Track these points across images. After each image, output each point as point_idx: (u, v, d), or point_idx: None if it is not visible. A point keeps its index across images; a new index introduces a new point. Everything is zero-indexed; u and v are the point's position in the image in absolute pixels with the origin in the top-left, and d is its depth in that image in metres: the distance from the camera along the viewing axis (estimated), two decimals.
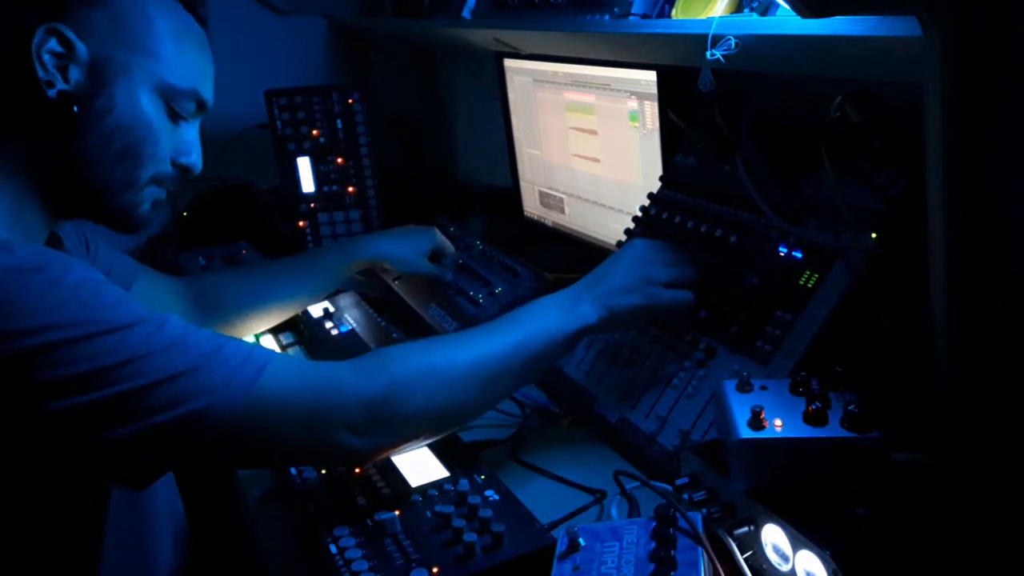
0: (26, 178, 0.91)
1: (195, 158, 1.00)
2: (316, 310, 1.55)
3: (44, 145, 0.90)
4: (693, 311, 1.12)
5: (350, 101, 1.91)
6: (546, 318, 1.02)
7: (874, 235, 0.98)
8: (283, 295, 1.43)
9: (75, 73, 0.88)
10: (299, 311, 1.50)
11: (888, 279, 0.96)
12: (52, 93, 0.87)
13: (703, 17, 0.99)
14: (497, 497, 0.95)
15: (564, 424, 1.22)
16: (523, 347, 0.98)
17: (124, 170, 0.94)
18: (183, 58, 0.96)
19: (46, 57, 0.87)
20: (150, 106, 0.94)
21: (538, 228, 1.88)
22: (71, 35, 0.87)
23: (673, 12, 1.07)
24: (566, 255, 1.71)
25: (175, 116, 0.97)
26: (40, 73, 0.86)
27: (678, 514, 0.82)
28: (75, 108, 0.88)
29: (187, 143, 0.99)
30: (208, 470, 1.14)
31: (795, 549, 0.76)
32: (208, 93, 1.00)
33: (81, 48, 0.88)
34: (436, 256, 1.52)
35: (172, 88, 0.95)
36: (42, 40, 0.86)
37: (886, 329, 0.95)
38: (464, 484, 0.96)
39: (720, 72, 0.98)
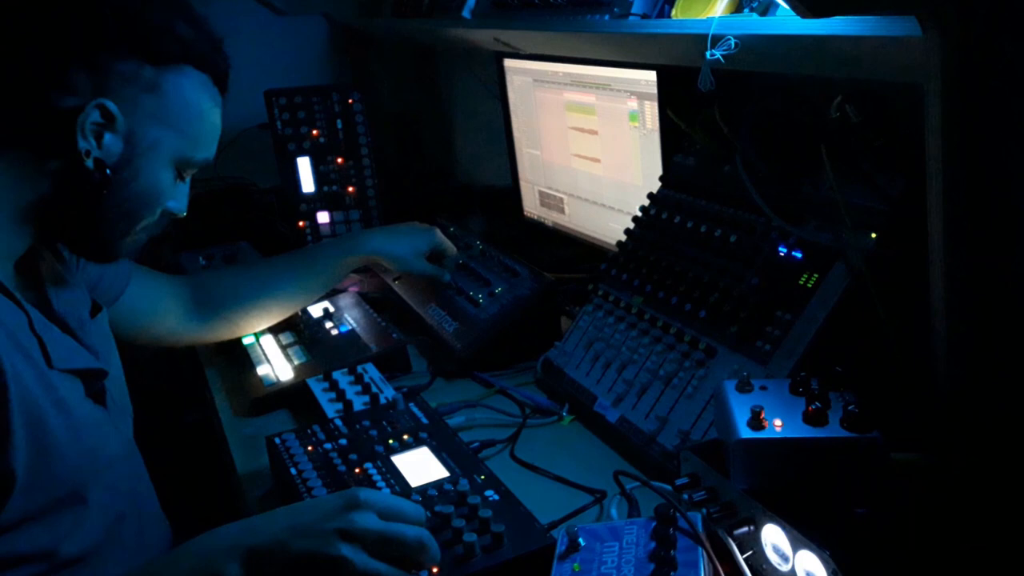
0: (21, 219, 0.92)
1: (183, 207, 1.04)
2: (316, 310, 1.55)
3: (63, 198, 0.92)
4: (693, 311, 1.12)
5: (350, 101, 1.91)
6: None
7: (874, 235, 0.98)
8: (282, 292, 1.43)
9: (109, 141, 0.91)
10: (299, 309, 1.50)
11: (888, 279, 0.96)
12: (88, 162, 0.90)
13: (703, 17, 0.99)
14: (497, 497, 0.95)
15: (564, 423, 1.22)
16: None
17: (124, 225, 0.98)
18: (207, 133, 1.00)
19: (88, 127, 0.89)
20: (166, 178, 0.98)
21: (538, 228, 1.88)
22: (115, 110, 0.90)
23: (673, 12, 1.07)
24: (566, 255, 1.71)
25: (180, 178, 1.02)
26: (81, 143, 0.89)
27: (678, 514, 0.82)
28: (104, 172, 0.91)
29: (180, 194, 1.03)
30: None
31: (795, 549, 0.76)
32: (213, 154, 1.04)
33: (122, 121, 0.91)
34: (436, 256, 1.52)
35: (190, 161, 0.99)
36: (88, 113, 0.88)
37: (886, 329, 0.95)
38: (464, 484, 0.96)
39: (720, 72, 0.98)
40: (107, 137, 0.91)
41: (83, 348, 0.98)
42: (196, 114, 0.98)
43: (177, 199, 1.02)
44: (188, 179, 1.04)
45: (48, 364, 0.90)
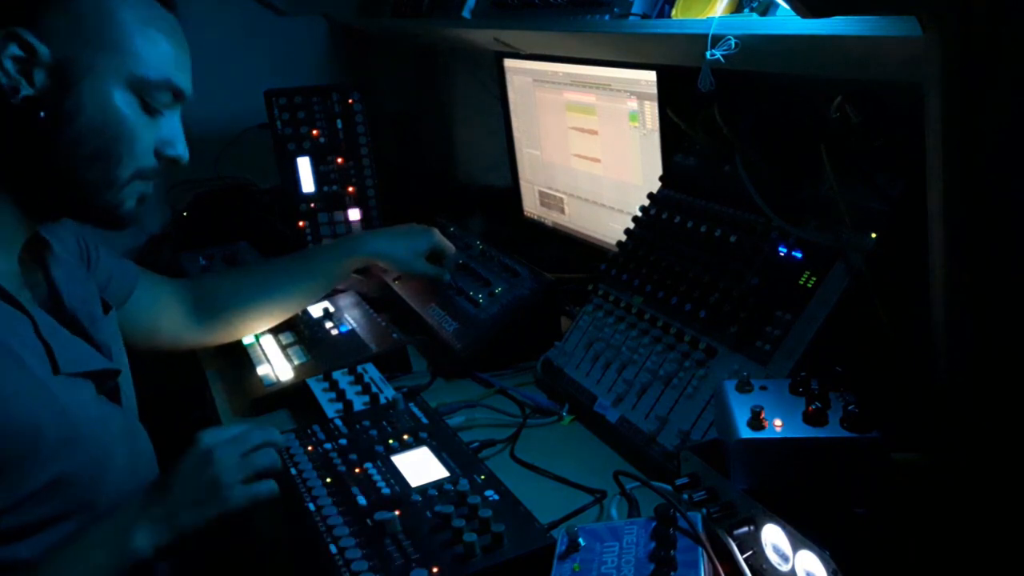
0: None
1: (181, 149, 0.98)
2: (316, 310, 1.55)
3: (14, 151, 0.89)
4: (693, 311, 1.12)
5: (350, 101, 1.91)
6: (85, 567, 0.86)
7: (874, 235, 0.98)
8: (281, 295, 1.43)
9: (39, 77, 0.86)
10: (299, 310, 1.50)
11: (888, 279, 0.96)
12: (17, 100, 0.86)
13: (703, 17, 0.99)
14: (497, 497, 0.95)
15: (564, 423, 1.22)
16: None
17: (100, 170, 0.92)
18: (151, 48, 0.93)
19: (7, 63, 0.85)
20: (122, 103, 0.91)
21: (538, 228, 1.88)
22: (32, 39, 0.85)
23: (673, 12, 1.07)
24: (566, 255, 1.71)
25: (151, 109, 0.94)
26: (3, 80, 0.85)
27: (678, 514, 0.82)
28: (41, 113, 0.86)
29: (169, 135, 0.97)
30: None
31: (795, 549, 0.76)
32: (183, 81, 0.97)
33: (43, 51, 0.86)
34: (436, 256, 1.52)
35: (143, 80, 0.92)
36: (2, 46, 0.84)
37: (886, 329, 0.95)
38: (464, 484, 0.96)
39: (720, 72, 0.98)
40: (36, 74, 0.86)
41: (94, 348, 0.97)
42: (125, 28, 0.90)
43: (169, 140, 0.96)
44: (176, 116, 0.98)
45: (54, 370, 0.89)
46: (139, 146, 0.94)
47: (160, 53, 0.94)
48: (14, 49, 0.85)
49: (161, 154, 0.96)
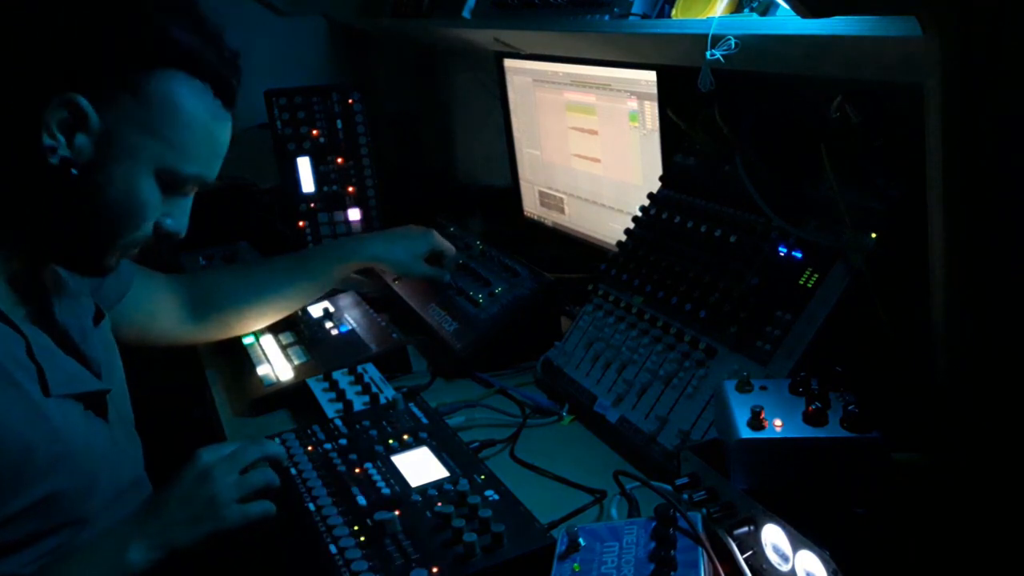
0: None
1: (181, 226, 0.98)
2: (316, 310, 1.55)
3: (30, 201, 0.89)
4: (693, 311, 1.12)
5: (350, 101, 1.91)
6: None
7: (874, 235, 0.98)
8: (277, 294, 1.43)
9: (81, 142, 0.86)
10: (296, 310, 1.50)
11: (888, 279, 0.96)
12: (53, 159, 0.85)
13: (703, 17, 0.99)
14: (497, 497, 0.95)
15: (564, 423, 1.22)
16: None
17: (104, 238, 0.93)
18: (197, 146, 0.93)
19: (55, 125, 0.84)
20: (148, 188, 0.91)
21: (538, 228, 1.88)
22: (87, 107, 0.85)
23: (673, 12, 1.07)
24: (566, 255, 1.71)
25: (171, 192, 0.95)
26: (45, 140, 0.84)
27: (678, 514, 0.82)
28: (73, 172, 0.86)
29: (177, 211, 0.97)
30: None
31: (795, 549, 0.76)
32: (212, 174, 0.97)
33: (95, 121, 0.86)
34: (435, 257, 1.52)
35: (176, 173, 0.93)
36: (55, 108, 0.84)
37: (886, 329, 0.95)
38: (464, 484, 0.96)
39: (720, 72, 0.98)
40: (79, 137, 0.85)
41: (85, 368, 0.97)
42: (185, 123, 0.91)
43: (173, 216, 0.97)
44: (189, 196, 0.99)
45: (45, 392, 0.89)
46: (146, 224, 0.94)
47: (203, 149, 0.94)
48: (64, 113, 0.84)
49: (160, 225, 0.96)
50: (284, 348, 1.45)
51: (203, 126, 0.93)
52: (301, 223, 1.92)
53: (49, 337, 0.95)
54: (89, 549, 0.90)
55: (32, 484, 0.87)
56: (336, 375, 1.31)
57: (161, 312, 1.33)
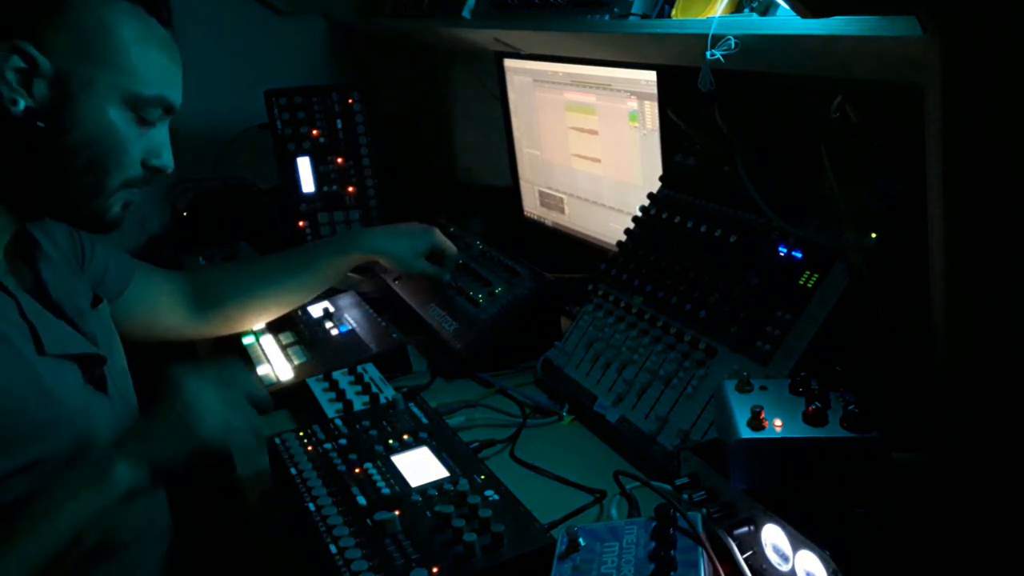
0: None
1: (166, 159, 1.00)
2: (316, 310, 1.55)
3: (8, 157, 0.90)
4: (693, 311, 1.12)
5: (350, 101, 1.91)
6: (73, 505, 0.86)
7: (874, 235, 0.98)
8: (279, 289, 1.43)
9: (39, 88, 0.88)
10: (297, 306, 1.50)
11: (888, 279, 0.96)
12: (17, 111, 0.87)
13: (703, 17, 0.99)
14: (497, 497, 0.95)
15: (564, 423, 1.22)
16: (52, 554, 0.84)
17: (91, 180, 0.94)
18: (147, 65, 0.95)
19: (9, 75, 0.86)
20: (117, 118, 0.93)
21: (538, 228, 1.88)
22: (33, 52, 0.87)
23: (673, 12, 1.07)
24: (566, 255, 1.71)
25: (143, 122, 0.97)
26: (4, 91, 0.86)
27: (678, 514, 0.82)
28: (40, 123, 0.88)
29: (157, 145, 0.99)
30: None
31: (795, 549, 0.76)
32: (175, 96, 0.99)
33: (44, 64, 0.88)
34: (436, 256, 1.52)
35: (138, 97, 0.94)
36: (3, 58, 0.86)
37: (886, 329, 0.95)
38: (464, 484, 0.96)
39: (720, 72, 0.98)
40: (36, 84, 0.87)
41: (80, 335, 0.98)
42: (126, 46, 0.92)
43: (156, 151, 0.98)
44: (165, 127, 1.00)
45: (39, 351, 0.90)
46: (128, 157, 0.96)
47: (155, 70, 0.96)
48: (16, 61, 0.87)
49: (147, 163, 0.98)
50: (284, 348, 1.45)
51: (145, 45, 0.95)
52: (301, 223, 1.92)
53: (43, 306, 0.96)
54: (75, 472, 0.89)
55: (22, 444, 0.87)
56: (336, 375, 1.31)
57: (163, 307, 1.33)
